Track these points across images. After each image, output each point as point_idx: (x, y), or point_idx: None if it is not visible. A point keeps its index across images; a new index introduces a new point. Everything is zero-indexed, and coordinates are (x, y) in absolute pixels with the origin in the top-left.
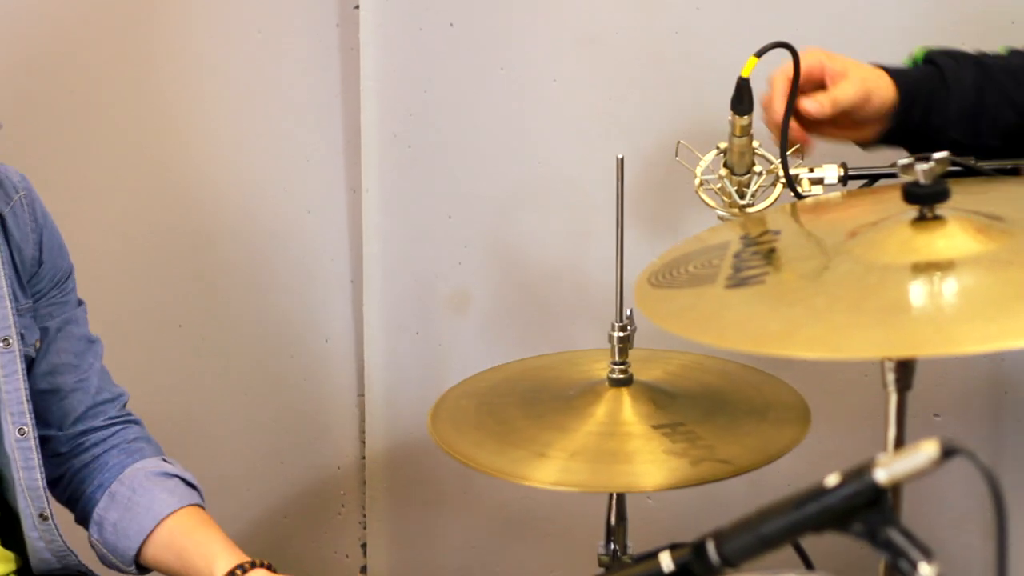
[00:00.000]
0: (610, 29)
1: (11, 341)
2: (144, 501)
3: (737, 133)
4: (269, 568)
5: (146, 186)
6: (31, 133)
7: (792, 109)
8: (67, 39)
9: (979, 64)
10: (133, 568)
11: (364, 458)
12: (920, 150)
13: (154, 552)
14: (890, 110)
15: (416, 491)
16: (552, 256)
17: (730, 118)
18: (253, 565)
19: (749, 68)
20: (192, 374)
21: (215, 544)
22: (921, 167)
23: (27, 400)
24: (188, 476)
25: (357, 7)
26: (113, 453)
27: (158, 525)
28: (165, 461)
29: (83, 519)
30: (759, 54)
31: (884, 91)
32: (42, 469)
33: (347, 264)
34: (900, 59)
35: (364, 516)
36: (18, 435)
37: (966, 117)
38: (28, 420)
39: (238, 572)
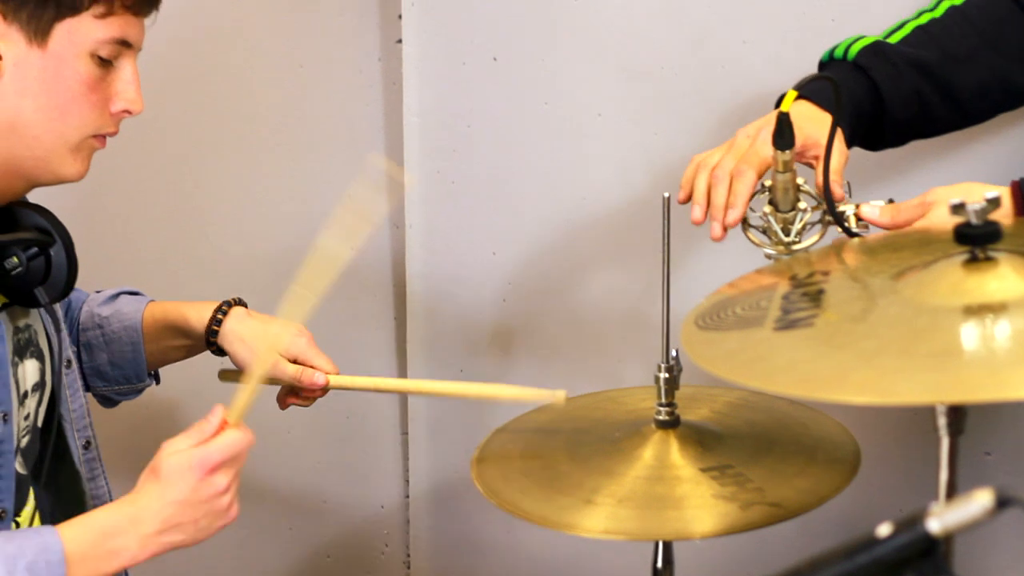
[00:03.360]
0: (655, 63)
1: (72, 362)
2: (116, 328)
3: (780, 169)
4: (244, 304)
5: (186, 221)
6: None
7: (832, 144)
8: None
9: (915, 66)
10: (152, 379)
11: (408, 497)
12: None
13: (152, 350)
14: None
15: (460, 531)
16: (597, 293)
17: (772, 154)
18: (230, 304)
19: (789, 102)
20: None
21: (187, 305)
22: (973, 208)
23: (88, 414)
24: (125, 288)
25: (399, 41)
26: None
27: (142, 329)
28: (97, 292)
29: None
30: (799, 88)
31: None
32: (106, 478)
33: (390, 301)
34: None
35: (408, 556)
36: (83, 449)
37: (913, 119)
38: (91, 433)
39: (223, 305)
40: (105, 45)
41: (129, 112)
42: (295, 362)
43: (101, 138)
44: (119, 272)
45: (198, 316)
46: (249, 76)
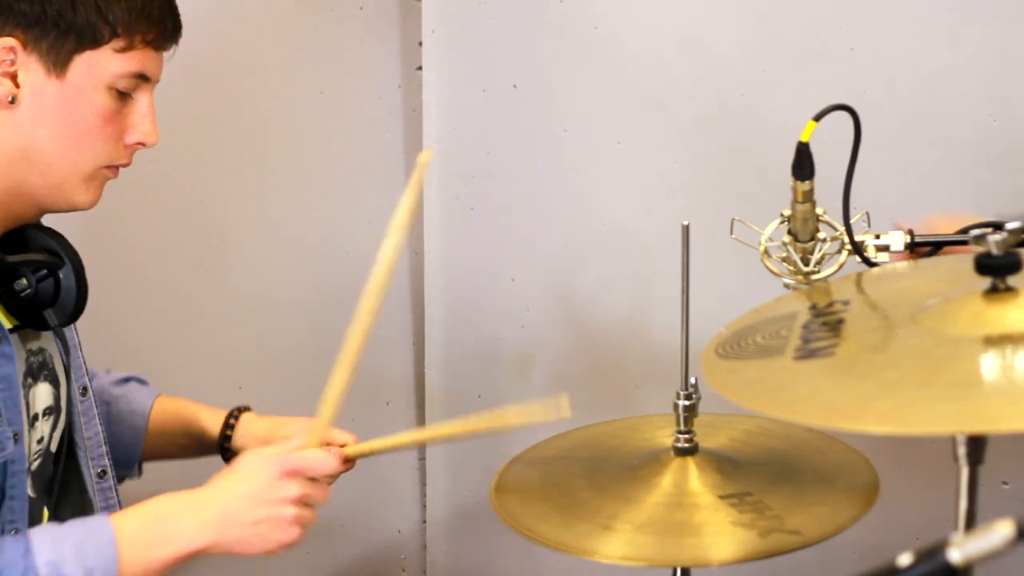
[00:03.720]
0: (675, 91)
1: (88, 389)
2: (124, 410)
3: (799, 199)
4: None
5: (203, 247)
6: None
7: (852, 175)
8: None
9: None
10: (136, 469)
11: (425, 522)
12: None
13: (151, 443)
14: None
15: (477, 556)
16: (616, 320)
17: (792, 184)
18: (240, 411)
19: (808, 132)
20: None
21: (199, 407)
22: (994, 238)
23: (105, 443)
24: (135, 375)
25: (420, 68)
26: None
27: (148, 419)
28: (107, 371)
29: None
30: (818, 118)
31: None
32: (121, 504)
33: (409, 327)
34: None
35: None
36: (98, 478)
37: None
38: (107, 462)
39: (234, 412)
40: (123, 79)
41: (143, 144)
42: None
43: (114, 168)
44: (131, 298)
45: (211, 420)
46: (270, 102)
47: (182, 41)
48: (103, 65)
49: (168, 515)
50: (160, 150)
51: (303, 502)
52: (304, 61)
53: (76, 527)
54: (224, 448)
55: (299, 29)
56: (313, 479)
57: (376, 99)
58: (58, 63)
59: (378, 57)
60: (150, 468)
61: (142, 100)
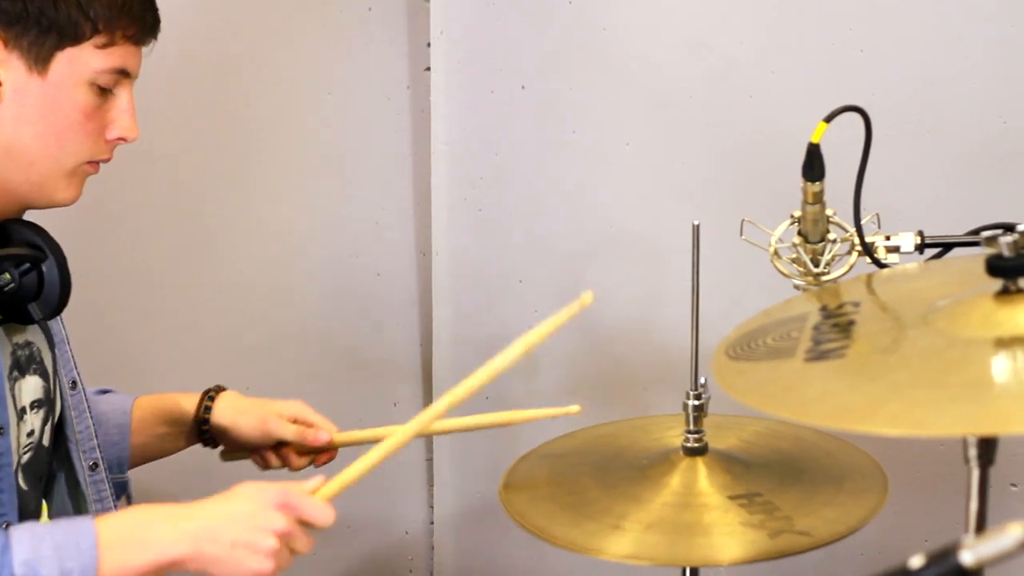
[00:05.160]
0: (683, 93)
1: (78, 383)
2: (105, 410)
3: (809, 200)
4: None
5: (212, 248)
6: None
7: (863, 176)
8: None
9: None
10: (126, 471)
11: (432, 523)
12: None
13: (137, 441)
14: None
15: (485, 557)
16: (625, 322)
17: (802, 185)
18: (217, 390)
19: (819, 134)
20: None
21: (176, 394)
22: (1005, 239)
23: (96, 436)
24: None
25: (428, 69)
26: None
27: (131, 415)
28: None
29: None
30: (828, 119)
31: None
32: (115, 498)
33: (416, 328)
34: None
35: None
36: (90, 470)
37: None
38: (98, 455)
39: (212, 389)
40: (104, 74)
41: (124, 140)
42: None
43: (95, 164)
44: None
45: (189, 402)
46: (278, 103)
47: (190, 42)
48: (84, 61)
49: (149, 522)
50: (167, 151)
51: (286, 540)
52: (312, 62)
53: (59, 528)
54: (203, 429)
55: (307, 30)
56: (303, 523)
57: (384, 100)
58: (39, 60)
59: (386, 58)
60: (167, 476)
61: (122, 96)
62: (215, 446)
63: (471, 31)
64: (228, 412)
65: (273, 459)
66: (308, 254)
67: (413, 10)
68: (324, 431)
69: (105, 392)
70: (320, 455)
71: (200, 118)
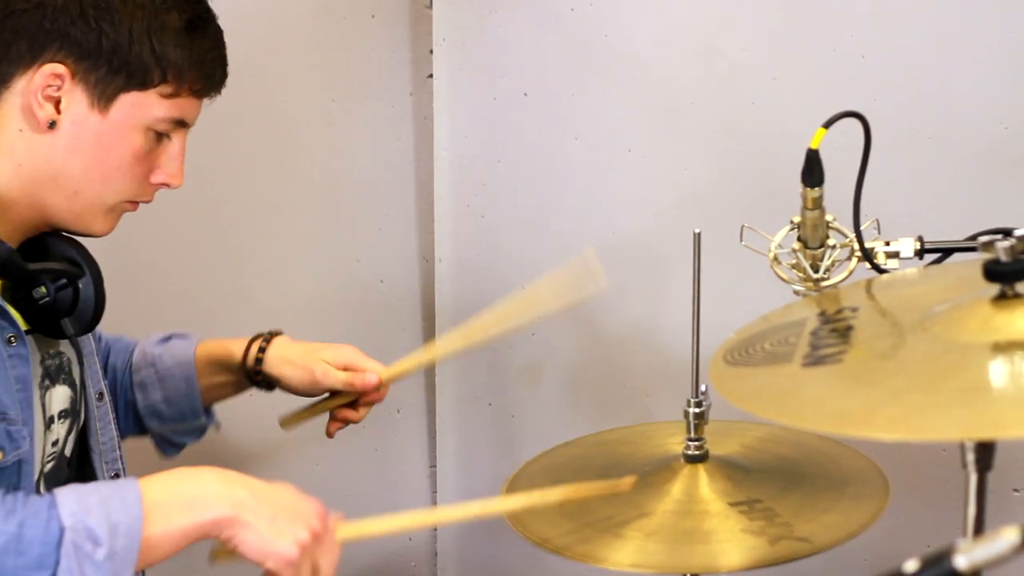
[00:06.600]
0: (686, 99)
1: (105, 394)
2: (170, 364)
3: (809, 206)
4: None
5: (217, 254)
6: None
7: (862, 182)
8: None
9: None
10: (208, 418)
11: (435, 530)
12: None
13: (203, 387)
14: None
15: (487, 564)
16: (626, 327)
17: (801, 191)
18: (272, 334)
19: (818, 139)
20: None
21: (230, 340)
22: (1002, 244)
23: (119, 448)
24: (175, 332)
25: (431, 76)
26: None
27: (195, 366)
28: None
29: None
30: (827, 125)
31: None
32: None
33: (419, 334)
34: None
35: None
36: (111, 480)
37: None
38: (120, 465)
39: (265, 335)
40: (163, 123)
41: (168, 185)
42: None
43: (135, 203)
44: (149, 309)
45: (240, 349)
46: (282, 110)
47: None
48: (147, 107)
49: (197, 480)
50: None
51: (312, 539)
52: (316, 69)
53: (103, 485)
54: (256, 373)
55: (311, 37)
56: (320, 546)
57: (388, 107)
58: (103, 98)
59: (389, 65)
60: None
61: (176, 143)
62: (271, 390)
63: (474, 38)
64: (276, 362)
65: (332, 426)
66: (311, 259)
67: (416, 17)
68: (372, 372)
69: (167, 340)
70: (371, 394)
71: (203, 125)
